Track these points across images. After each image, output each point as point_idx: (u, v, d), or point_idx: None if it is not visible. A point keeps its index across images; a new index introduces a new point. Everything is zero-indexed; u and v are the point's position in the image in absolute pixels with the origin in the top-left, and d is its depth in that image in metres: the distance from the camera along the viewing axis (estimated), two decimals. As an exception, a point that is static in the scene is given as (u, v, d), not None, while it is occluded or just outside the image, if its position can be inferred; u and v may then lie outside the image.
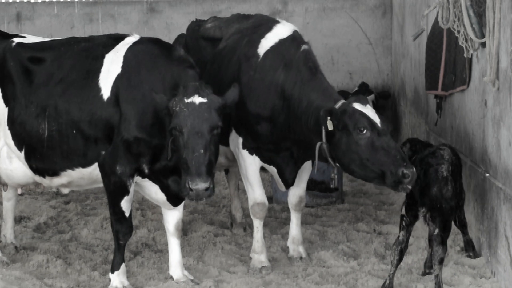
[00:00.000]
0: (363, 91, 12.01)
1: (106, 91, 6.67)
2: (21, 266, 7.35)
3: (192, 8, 12.67)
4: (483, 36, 6.69)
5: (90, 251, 7.81)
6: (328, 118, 6.45)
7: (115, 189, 6.64)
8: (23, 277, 7.01)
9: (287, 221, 8.42)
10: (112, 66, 6.73)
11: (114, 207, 6.69)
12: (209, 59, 7.60)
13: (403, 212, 6.52)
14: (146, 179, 6.73)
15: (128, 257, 7.47)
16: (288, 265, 7.43)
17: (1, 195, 8.13)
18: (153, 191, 6.80)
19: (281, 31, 7.27)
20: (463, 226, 7.25)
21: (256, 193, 7.28)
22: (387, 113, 12.41)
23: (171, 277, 6.96)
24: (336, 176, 6.85)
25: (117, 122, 6.57)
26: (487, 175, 6.91)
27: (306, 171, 7.51)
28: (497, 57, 6.48)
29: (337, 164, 6.67)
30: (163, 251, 7.69)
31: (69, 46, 6.99)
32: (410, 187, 6.24)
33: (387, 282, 6.55)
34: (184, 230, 8.12)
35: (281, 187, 7.47)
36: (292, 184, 7.44)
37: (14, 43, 7.09)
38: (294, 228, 7.63)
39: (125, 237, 6.75)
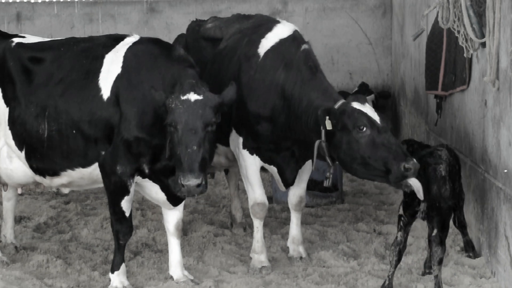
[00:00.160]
0: (363, 91, 12.00)
1: (106, 91, 6.67)
2: (21, 266, 7.35)
3: (192, 8, 12.66)
4: (483, 36, 6.69)
5: (90, 251, 7.81)
6: (327, 117, 6.45)
7: (116, 189, 6.64)
8: (23, 277, 7.01)
9: (287, 221, 8.42)
10: (112, 66, 6.73)
11: (115, 207, 6.69)
12: (210, 59, 7.61)
13: (401, 212, 6.52)
14: (147, 179, 6.73)
15: (128, 257, 7.47)
16: (288, 265, 7.43)
17: (1, 195, 8.13)
18: (154, 191, 6.80)
19: (281, 31, 7.27)
20: (462, 227, 7.25)
21: (256, 193, 7.28)
22: (387, 113, 12.40)
23: (171, 277, 6.96)
24: (331, 176, 6.82)
25: (117, 122, 6.57)
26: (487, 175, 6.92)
27: (306, 171, 7.51)
28: (497, 57, 6.48)
29: (337, 163, 6.67)
30: (163, 251, 7.69)
31: (69, 46, 6.99)
32: (414, 184, 6.22)
33: (386, 282, 6.55)
34: (184, 230, 8.12)
35: (281, 187, 7.47)
36: (292, 184, 7.44)
37: (14, 43, 7.09)
38: (294, 228, 7.63)
39: (125, 237, 6.75)
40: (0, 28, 8.88)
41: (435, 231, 6.35)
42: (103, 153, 6.65)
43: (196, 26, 8.15)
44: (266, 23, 7.46)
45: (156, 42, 6.94)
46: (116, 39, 6.95)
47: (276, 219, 8.92)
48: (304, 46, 7.08)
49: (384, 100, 12.62)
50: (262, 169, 7.37)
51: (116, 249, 6.79)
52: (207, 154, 6.25)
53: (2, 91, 6.99)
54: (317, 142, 6.62)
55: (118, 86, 6.64)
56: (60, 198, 9.86)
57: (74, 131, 6.70)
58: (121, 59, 6.74)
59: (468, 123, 7.69)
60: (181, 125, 6.22)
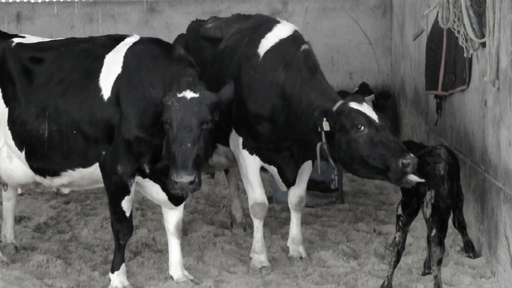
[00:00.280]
0: (363, 91, 12.01)
1: (106, 91, 6.67)
2: (21, 266, 7.35)
3: (192, 8, 12.66)
4: (483, 36, 6.69)
5: (90, 251, 7.81)
6: (324, 119, 6.46)
7: (116, 189, 6.65)
8: (23, 277, 7.01)
9: (287, 221, 8.42)
10: (112, 66, 6.73)
11: (115, 207, 6.69)
12: (210, 59, 7.61)
13: (399, 212, 6.52)
14: (147, 179, 6.73)
15: (128, 257, 7.47)
16: (288, 265, 7.43)
17: (1, 195, 8.13)
18: (154, 191, 6.80)
19: (281, 31, 7.27)
20: (462, 228, 7.25)
21: (256, 193, 7.28)
22: (387, 113, 12.40)
23: (171, 277, 6.97)
24: (336, 177, 6.85)
25: (118, 122, 6.57)
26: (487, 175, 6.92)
27: (306, 171, 7.51)
28: (497, 57, 6.48)
29: (338, 164, 6.68)
30: (163, 251, 7.69)
31: (69, 47, 7.00)
32: (412, 180, 6.22)
33: (386, 283, 6.55)
34: (184, 230, 8.12)
35: (282, 187, 7.47)
36: (292, 184, 7.45)
37: (14, 43, 7.09)
38: (294, 228, 7.63)
39: (125, 237, 6.76)
40: (0, 28, 8.88)
41: (434, 231, 6.35)
42: (103, 153, 6.65)
43: (196, 26, 8.15)
44: (266, 23, 7.46)
45: (157, 42, 6.94)
46: (117, 39, 6.95)
47: (276, 219, 8.92)
48: (304, 46, 7.08)
49: (384, 100, 12.62)
50: (262, 169, 7.37)
51: (116, 249, 6.79)
52: (202, 152, 6.24)
53: (2, 91, 6.99)
54: (318, 145, 6.63)
55: (118, 86, 6.65)
56: (60, 198, 9.86)
57: (74, 131, 6.70)
58: (121, 59, 6.74)
59: (468, 123, 7.69)
60: (176, 122, 6.22)
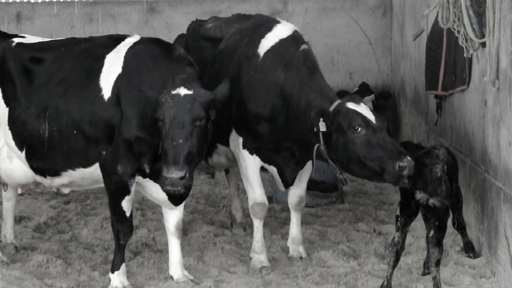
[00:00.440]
0: (363, 91, 12.00)
1: (107, 91, 6.67)
2: (21, 266, 7.35)
3: (192, 8, 12.66)
4: (483, 36, 6.69)
5: (90, 251, 7.81)
6: (321, 119, 6.45)
7: (116, 189, 6.65)
8: (23, 277, 7.01)
9: (287, 221, 8.42)
10: (112, 66, 6.73)
11: (115, 207, 6.70)
12: (210, 59, 7.61)
13: (398, 212, 6.52)
14: (148, 179, 6.73)
15: (128, 257, 7.47)
16: (288, 265, 7.43)
17: (1, 195, 8.13)
18: (155, 191, 6.80)
19: (281, 31, 7.28)
20: (462, 229, 7.25)
21: (256, 193, 7.28)
22: (387, 113, 12.41)
23: (171, 277, 6.97)
24: (341, 175, 6.83)
25: (118, 122, 6.57)
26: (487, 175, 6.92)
27: (306, 171, 7.51)
28: (497, 57, 6.48)
29: (337, 165, 6.68)
30: (163, 251, 7.69)
31: (70, 47, 7.00)
32: (408, 179, 6.23)
33: (385, 283, 6.55)
34: (184, 230, 8.12)
35: (281, 187, 7.47)
36: (292, 184, 7.44)
37: (14, 43, 7.09)
38: (294, 228, 7.63)
39: (125, 237, 6.76)
40: (0, 28, 8.88)
41: (431, 232, 6.35)
42: (104, 153, 6.65)
43: (196, 26, 8.15)
44: (266, 23, 7.46)
45: (157, 42, 6.95)
46: (117, 39, 6.95)
47: (276, 219, 8.92)
48: (303, 46, 7.09)
49: (384, 100, 12.62)
50: (262, 169, 7.37)
51: (116, 249, 6.79)
52: (194, 149, 6.24)
53: (2, 91, 6.99)
54: (316, 146, 6.63)
55: (119, 86, 6.65)
56: (60, 198, 9.86)
57: (75, 131, 6.70)
58: (121, 59, 6.74)
59: (468, 123, 7.69)
60: (169, 118, 6.23)
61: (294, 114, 6.91)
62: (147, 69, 6.66)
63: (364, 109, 6.49)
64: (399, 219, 6.50)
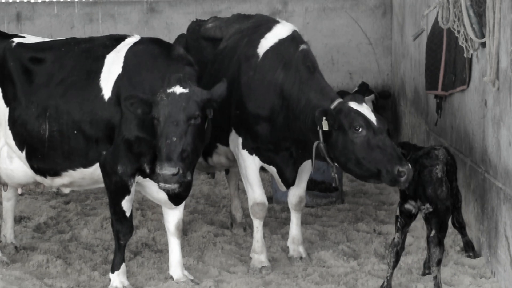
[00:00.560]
0: (363, 91, 12.00)
1: (107, 91, 6.68)
2: (21, 266, 7.35)
3: (192, 8, 12.66)
4: (483, 36, 6.69)
5: (90, 251, 7.81)
6: (324, 118, 6.46)
7: (116, 189, 6.65)
8: (23, 277, 7.01)
9: (287, 221, 8.42)
10: (113, 66, 6.74)
11: (115, 207, 6.70)
12: (210, 59, 7.61)
13: (398, 213, 6.52)
14: (148, 179, 6.73)
15: (128, 257, 7.47)
16: (288, 265, 7.43)
17: (1, 195, 8.13)
18: (155, 191, 6.79)
19: (280, 31, 7.28)
20: (461, 228, 7.25)
21: (256, 193, 7.28)
22: (387, 113, 12.41)
23: (171, 277, 6.97)
24: (336, 175, 6.86)
25: (118, 122, 6.57)
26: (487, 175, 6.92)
27: (306, 171, 7.51)
28: (497, 57, 6.48)
29: (335, 164, 6.68)
30: (163, 251, 7.69)
31: (70, 47, 7.00)
32: (406, 185, 6.25)
33: (385, 283, 6.55)
34: (184, 230, 8.11)
35: (281, 187, 7.47)
36: (292, 184, 7.45)
37: (14, 43, 7.09)
38: (294, 228, 7.63)
39: (125, 237, 6.76)
40: (0, 28, 8.88)
41: (433, 232, 6.35)
42: (104, 153, 6.65)
43: (196, 26, 8.16)
44: (266, 23, 7.47)
45: (157, 42, 6.95)
46: (117, 39, 6.95)
47: (276, 219, 8.92)
48: (303, 46, 7.09)
49: (384, 100, 12.62)
50: (262, 169, 7.37)
51: (116, 249, 6.79)
52: (189, 147, 6.23)
53: (2, 91, 6.99)
54: (315, 144, 6.63)
55: (119, 86, 6.65)
56: (60, 198, 9.86)
57: (75, 131, 6.71)
58: (122, 59, 6.74)
59: (468, 123, 7.69)
60: (164, 117, 6.23)
61: (293, 114, 6.92)
62: (147, 69, 6.66)
63: (366, 109, 6.50)
64: (399, 219, 6.50)
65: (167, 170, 6.11)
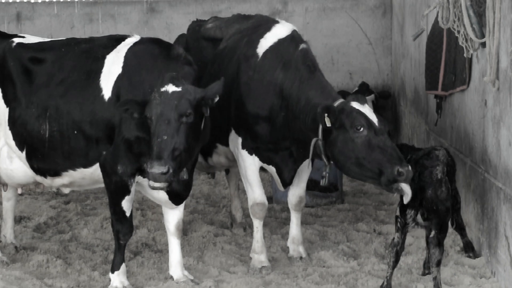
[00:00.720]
0: (363, 91, 11.99)
1: (107, 92, 6.68)
2: (21, 266, 7.35)
3: (192, 8, 12.66)
4: (483, 36, 6.69)
5: (90, 251, 7.81)
6: (326, 115, 6.46)
7: (116, 188, 6.65)
8: (23, 277, 7.01)
9: (287, 221, 8.42)
10: (113, 66, 6.74)
11: (115, 207, 6.70)
12: (210, 59, 7.61)
13: (398, 213, 6.52)
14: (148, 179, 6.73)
15: (128, 257, 7.47)
16: (288, 265, 7.43)
17: (1, 195, 8.13)
18: (155, 190, 6.79)
19: (280, 31, 7.28)
20: (461, 229, 7.25)
21: (255, 193, 7.28)
22: (387, 113, 12.41)
23: (171, 277, 6.97)
24: (327, 175, 6.84)
25: (118, 122, 6.57)
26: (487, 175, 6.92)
27: (305, 171, 7.51)
28: (497, 57, 6.48)
29: (331, 162, 6.68)
30: (163, 251, 7.69)
31: (70, 47, 7.00)
32: (405, 186, 6.23)
33: (385, 283, 6.55)
34: (184, 230, 8.12)
35: (280, 186, 7.48)
36: (290, 183, 7.44)
37: (14, 43, 7.09)
38: (294, 228, 7.63)
39: (125, 237, 6.76)
40: (0, 28, 8.88)
41: (433, 232, 6.35)
42: (104, 153, 6.65)
43: (196, 26, 8.16)
44: (265, 23, 7.47)
45: (157, 42, 6.95)
46: (117, 39, 6.96)
47: (276, 219, 8.92)
48: (302, 46, 7.09)
49: (384, 100, 12.62)
50: (262, 169, 7.37)
51: (116, 249, 6.79)
52: (181, 146, 6.19)
53: (2, 91, 6.99)
54: (313, 140, 6.63)
55: (119, 86, 6.65)
56: (60, 198, 9.86)
57: (75, 132, 6.71)
58: (122, 60, 6.74)
59: (468, 123, 7.69)
60: (156, 116, 6.23)
61: (293, 113, 6.92)
62: (147, 69, 6.66)
63: (368, 110, 6.51)
64: (399, 219, 6.50)
65: (156, 168, 6.08)
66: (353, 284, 6.82)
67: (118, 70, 6.71)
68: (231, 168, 8.37)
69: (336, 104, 6.60)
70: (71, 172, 6.86)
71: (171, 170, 6.09)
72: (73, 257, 7.64)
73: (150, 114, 6.26)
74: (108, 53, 6.83)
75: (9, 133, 6.96)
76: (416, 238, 7.85)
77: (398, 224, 6.50)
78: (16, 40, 7.15)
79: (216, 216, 9.06)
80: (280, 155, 7.24)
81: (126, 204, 6.69)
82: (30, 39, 7.26)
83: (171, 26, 12.54)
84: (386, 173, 6.25)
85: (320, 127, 6.56)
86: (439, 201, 6.34)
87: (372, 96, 12.09)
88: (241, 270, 7.27)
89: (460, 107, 7.99)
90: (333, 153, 6.56)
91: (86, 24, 12.63)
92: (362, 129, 6.40)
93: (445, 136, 8.67)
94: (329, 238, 8.17)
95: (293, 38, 7.20)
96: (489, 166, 6.90)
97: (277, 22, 7.46)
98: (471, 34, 6.80)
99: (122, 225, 6.72)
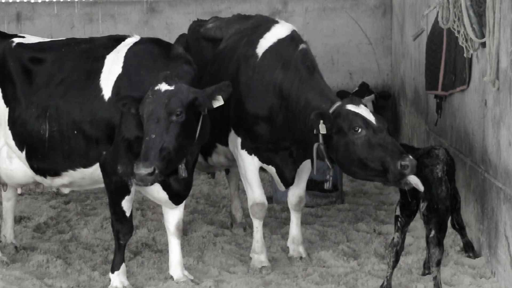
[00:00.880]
0: (363, 91, 12.00)
1: (107, 92, 6.68)
2: (21, 266, 7.35)
3: (192, 8, 12.66)
4: (483, 36, 6.69)
5: (90, 251, 7.81)
6: (321, 121, 6.45)
7: (116, 189, 6.65)
8: (23, 277, 7.02)
9: (287, 221, 8.42)
10: (113, 66, 6.74)
11: (115, 207, 6.70)
12: (210, 59, 7.62)
13: (398, 212, 6.52)
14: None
15: (128, 257, 7.47)
16: (288, 265, 7.43)
17: (1, 195, 8.13)
18: (155, 190, 6.79)
19: (279, 31, 7.28)
20: (461, 229, 7.24)
21: (255, 193, 7.28)
22: (387, 113, 12.41)
23: (171, 277, 6.97)
24: (331, 178, 6.82)
25: (118, 122, 6.57)
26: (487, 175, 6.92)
27: (305, 171, 7.51)
28: (497, 57, 6.48)
29: (335, 165, 6.68)
30: (163, 251, 7.69)
31: (70, 47, 7.00)
32: (412, 181, 6.22)
33: (385, 283, 6.55)
34: (184, 230, 8.12)
35: (280, 186, 7.47)
36: (291, 183, 7.44)
37: (14, 43, 7.09)
38: (294, 228, 7.63)
39: (125, 237, 6.76)
40: (0, 28, 8.89)
41: (432, 232, 6.35)
42: (104, 153, 6.65)
43: (197, 26, 8.16)
44: (265, 24, 7.47)
45: (156, 42, 6.95)
46: (117, 39, 6.96)
47: (276, 219, 8.92)
48: (302, 46, 7.09)
49: (384, 100, 12.62)
50: (262, 169, 7.37)
51: (116, 249, 6.79)
52: (170, 145, 6.16)
53: (2, 91, 6.99)
54: (315, 145, 6.63)
55: (119, 86, 6.66)
56: (60, 198, 9.86)
57: (75, 132, 6.71)
58: (122, 60, 6.75)
59: (468, 123, 7.69)
60: (147, 114, 6.23)
61: (293, 114, 6.92)
62: (147, 69, 6.66)
63: (364, 110, 6.50)
64: (399, 219, 6.50)
65: (142, 170, 6.05)
66: (353, 284, 6.82)
67: (118, 70, 6.71)
68: (231, 168, 8.37)
69: (332, 108, 6.58)
70: (71, 172, 6.86)
71: (157, 171, 6.07)
72: (73, 257, 7.64)
73: (142, 112, 6.26)
74: (108, 53, 6.83)
75: (9, 133, 6.96)
76: (416, 238, 7.85)
77: (398, 224, 6.50)
78: (16, 40, 7.15)
79: (216, 216, 9.06)
80: (280, 155, 7.24)
81: (126, 204, 6.69)
82: (30, 39, 7.26)
83: (171, 26, 12.54)
84: (391, 170, 6.25)
85: (316, 132, 6.55)
86: (439, 200, 6.34)
87: (372, 96, 12.10)
88: (241, 270, 7.27)
89: (460, 107, 8.00)
90: (337, 157, 6.54)
91: (86, 24, 12.63)
92: (360, 130, 6.39)
93: (445, 136, 8.67)
94: (329, 238, 8.17)
95: (293, 38, 7.20)
96: (489, 166, 6.90)
97: (277, 22, 7.46)
98: (471, 34, 6.80)
99: (122, 225, 6.72)
